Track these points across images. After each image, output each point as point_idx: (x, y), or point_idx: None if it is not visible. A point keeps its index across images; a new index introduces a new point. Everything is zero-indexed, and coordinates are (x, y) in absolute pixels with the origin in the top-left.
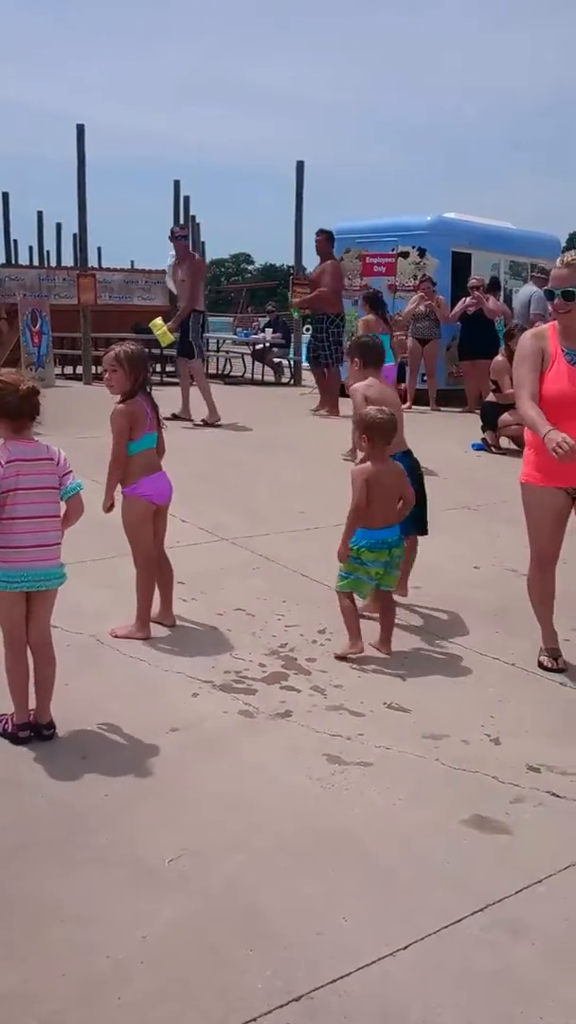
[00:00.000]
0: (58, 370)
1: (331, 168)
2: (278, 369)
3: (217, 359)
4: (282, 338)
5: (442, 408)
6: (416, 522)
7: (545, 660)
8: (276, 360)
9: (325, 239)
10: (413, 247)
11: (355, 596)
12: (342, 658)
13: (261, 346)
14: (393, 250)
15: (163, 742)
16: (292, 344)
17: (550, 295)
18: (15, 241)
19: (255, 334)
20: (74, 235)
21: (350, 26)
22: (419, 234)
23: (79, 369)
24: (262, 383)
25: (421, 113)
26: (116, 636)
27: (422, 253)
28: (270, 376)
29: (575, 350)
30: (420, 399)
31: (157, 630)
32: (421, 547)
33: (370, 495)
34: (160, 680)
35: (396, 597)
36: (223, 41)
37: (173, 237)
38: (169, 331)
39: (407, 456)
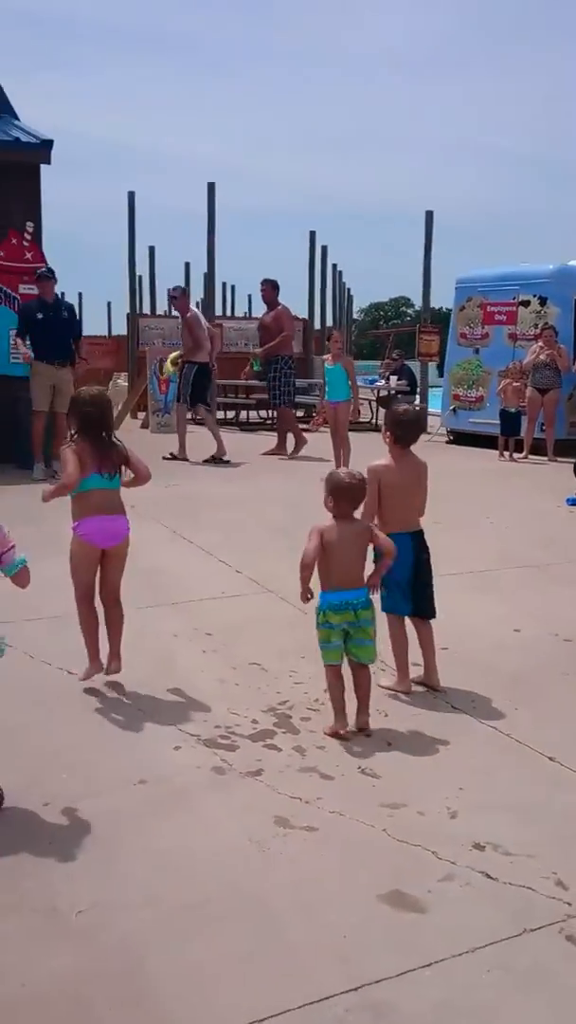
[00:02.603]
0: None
1: (472, 207)
2: None
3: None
4: (407, 385)
5: (559, 459)
6: (421, 603)
7: None
8: None
9: (270, 288)
10: (534, 296)
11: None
12: (334, 735)
13: (386, 393)
14: (514, 299)
15: (127, 794)
16: (418, 391)
17: None
18: (167, 290)
19: (379, 380)
20: (223, 283)
21: (482, 64)
22: (541, 282)
23: None
24: None
25: (559, 150)
26: (82, 679)
27: (543, 302)
28: None
29: None
30: (538, 449)
31: (159, 681)
32: (464, 605)
33: (330, 554)
34: (149, 731)
35: (429, 689)
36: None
37: (170, 298)
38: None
39: (416, 537)
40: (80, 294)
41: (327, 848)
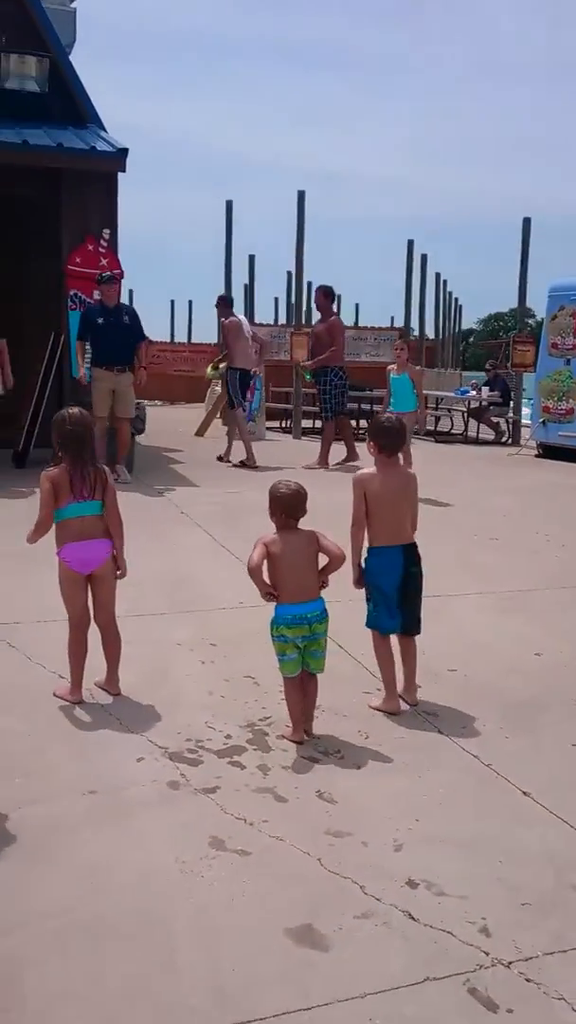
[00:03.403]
0: (275, 424)
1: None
2: (496, 428)
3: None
4: (499, 396)
5: None
6: (408, 620)
7: None
8: (495, 419)
9: (322, 295)
10: None
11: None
12: (297, 741)
13: (477, 404)
14: None
15: (72, 803)
16: (512, 403)
17: None
18: (276, 299)
19: (471, 392)
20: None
21: None
22: None
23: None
24: (476, 441)
25: None
26: (55, 695)
27: None
28: (489, 435)
29: None
30: None
31: (146, 690)
32: (487, 625)
33: (278, 566)
34: (118, 740)
35: (404, 705)
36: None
37: (216, 305)
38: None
39: (406, 551)
40: (190, 302)
41: (253, 874)
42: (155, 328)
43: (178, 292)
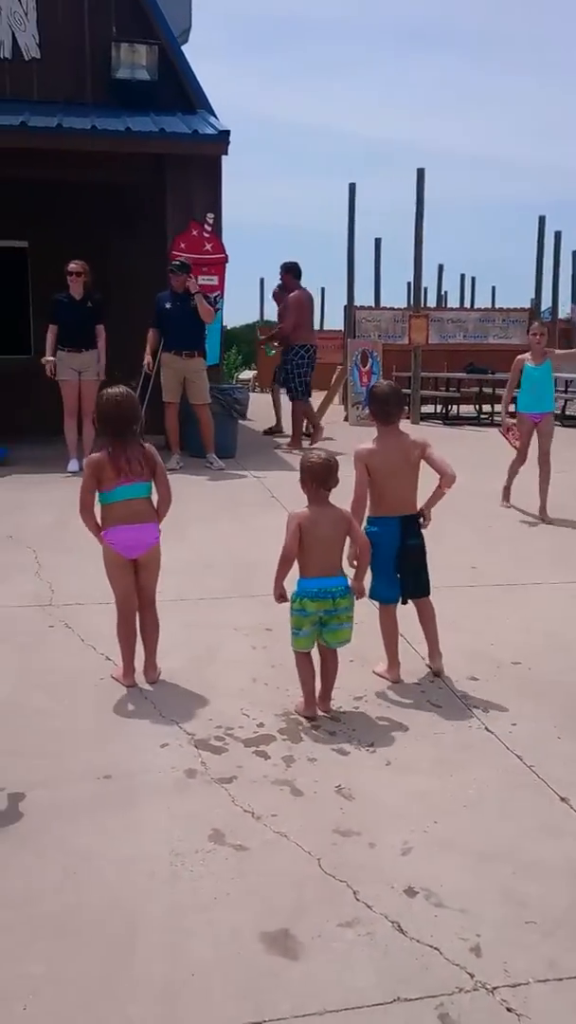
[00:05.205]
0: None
1: None
2: None
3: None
4: None
5: None
6: (410, 587)
7: None
8: None
9: (285, 272)
10: None
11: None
12: (309, 717)
13: None
14: None
15: (83, 788)
16: None
17: None
18: (408, 284)
19: None
20: (461, 275)
21: None
22: None
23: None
24: None
25: None
26: (112, 677)
27: None
28: None
29: None
30: None
31: (191, 675)
32: (565, 615)
33: (306, 542)
34: (147, 725)
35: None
36: None
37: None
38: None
39: (404, 522)
40: (323, 288)
41: (244, 872)
42: None
43: (308, 280)
